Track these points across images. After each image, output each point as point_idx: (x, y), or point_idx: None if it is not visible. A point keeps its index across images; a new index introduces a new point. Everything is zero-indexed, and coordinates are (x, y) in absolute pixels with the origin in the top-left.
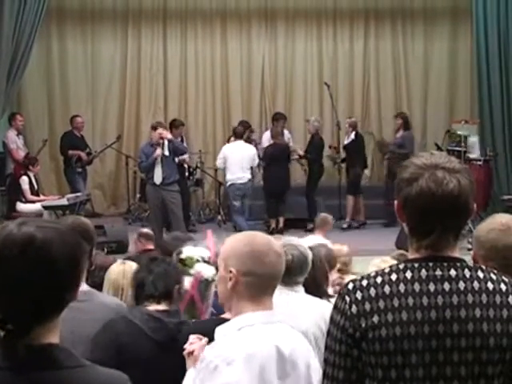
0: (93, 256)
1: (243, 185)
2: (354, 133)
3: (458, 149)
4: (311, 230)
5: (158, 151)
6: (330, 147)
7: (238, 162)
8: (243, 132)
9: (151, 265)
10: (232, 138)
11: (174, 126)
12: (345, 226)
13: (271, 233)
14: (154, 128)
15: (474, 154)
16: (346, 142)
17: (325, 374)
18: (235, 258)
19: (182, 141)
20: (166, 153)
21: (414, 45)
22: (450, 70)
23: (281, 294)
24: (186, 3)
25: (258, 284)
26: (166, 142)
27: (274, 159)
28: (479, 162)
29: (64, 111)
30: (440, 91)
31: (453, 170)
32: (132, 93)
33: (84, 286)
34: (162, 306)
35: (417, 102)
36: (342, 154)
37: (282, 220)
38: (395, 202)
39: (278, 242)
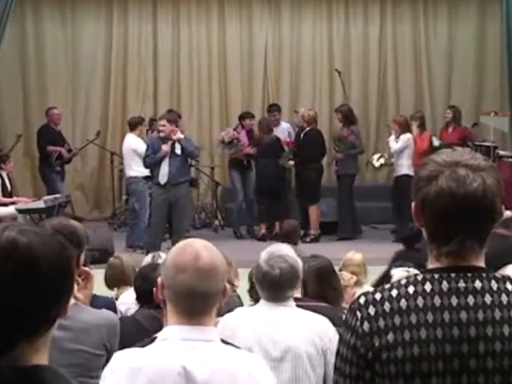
0: (81, 264)
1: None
2: (307, 129)
3: (486, 144)
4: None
5: (165, 148)
6: (286, 144)
7: (124, 157)
8: (137, 123)
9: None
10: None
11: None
12: (308, 239)
13: (261, 239)
14: (158, 119)
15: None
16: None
17: None
18: (163, 268)
19: None
20: (178, 151)
21: (436, 27)
22: (478, 55)
23: (268, 309)
24: None
25: (175, 299)
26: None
27: (261, 156)
28: (511, 159)
29: (41, 103)
30: (466, 79)
31: (477, 167)
32: (118, 81)
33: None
34: None
35: (440, 92)
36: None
37: (277, 225)
38: (412, 203)
39: (208, 256)
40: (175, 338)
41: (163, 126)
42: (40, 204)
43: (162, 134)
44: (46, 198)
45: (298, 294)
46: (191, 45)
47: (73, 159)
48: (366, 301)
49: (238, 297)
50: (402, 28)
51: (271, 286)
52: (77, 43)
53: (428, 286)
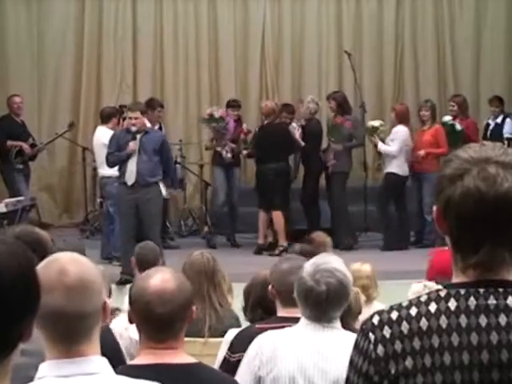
0: None
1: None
2: (265, 122)
3: None
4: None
5: (132, 145)
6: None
7: (96, 154)
8: (110, 115)
9: None
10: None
11: (151, 107)
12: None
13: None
14: (125, 111)
15: None
16: None
17: None
18: None
19: (160, 128)
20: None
21: (462, 2)
22: (509, 35)
23: (313, 332)
24: None
25: (45, 326)
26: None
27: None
28: None
29: (2, 90)
30: (496, 63)
31: (509, 164)
32: (91, 66)
33: None
34: None
35: (466, 78)
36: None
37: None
38: (434, 207)
39: (76, 270)
40: (51, 376)
41: (136, 118)
42: (1, 208)
43: (133, 128)
44: (7, 200)
45: None
46: (176, 24)
47: (38, 155)
48: (380, 321)
49: (237, 319)
50: (422, 3)
51: (316, 304)
52: (43, 22)
53: (452, 304)
